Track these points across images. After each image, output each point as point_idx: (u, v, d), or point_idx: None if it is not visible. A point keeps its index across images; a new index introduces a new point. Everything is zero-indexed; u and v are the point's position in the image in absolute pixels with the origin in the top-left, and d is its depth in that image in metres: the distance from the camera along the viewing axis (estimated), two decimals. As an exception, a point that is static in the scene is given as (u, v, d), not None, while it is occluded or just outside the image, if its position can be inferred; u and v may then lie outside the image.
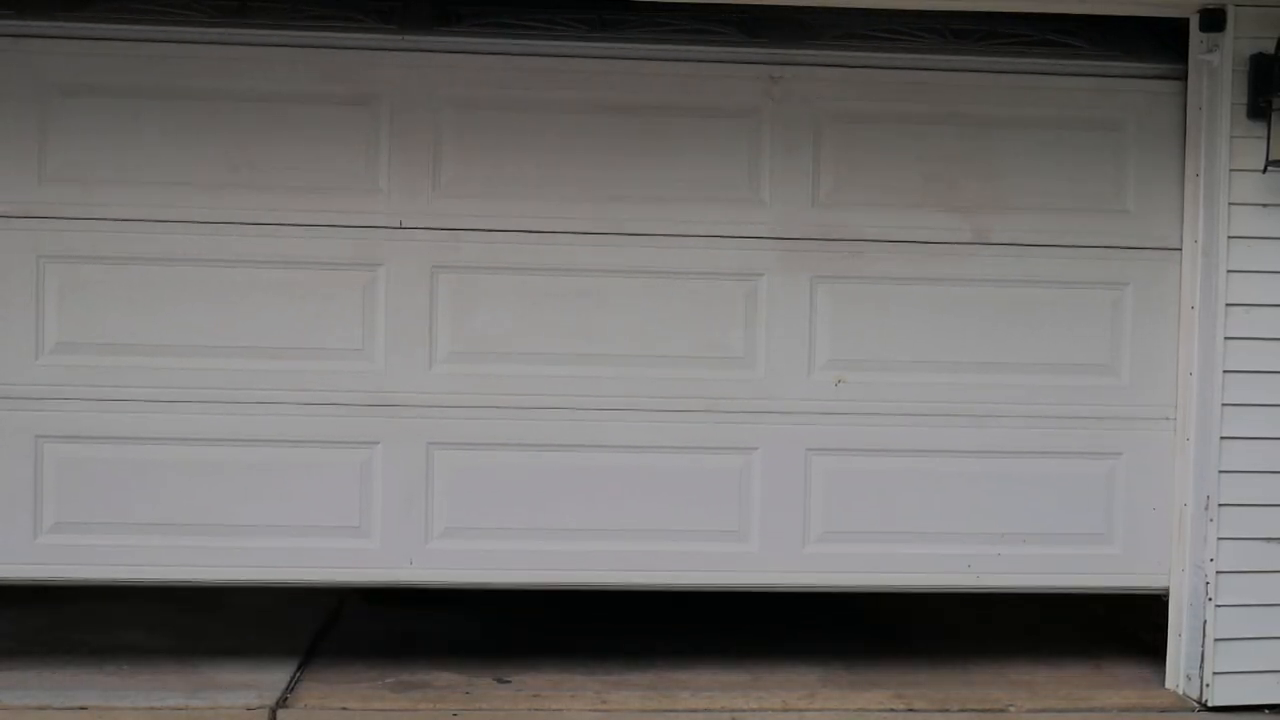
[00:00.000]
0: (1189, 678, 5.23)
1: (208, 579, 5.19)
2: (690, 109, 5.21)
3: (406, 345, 5.14)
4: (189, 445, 5.10)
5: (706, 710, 5.07)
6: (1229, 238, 5.11)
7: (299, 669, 5.40)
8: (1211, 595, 5.15)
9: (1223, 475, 5.14)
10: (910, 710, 5.12)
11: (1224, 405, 5.13)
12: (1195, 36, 5.12)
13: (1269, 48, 5.00)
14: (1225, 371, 5.13)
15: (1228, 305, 5.11)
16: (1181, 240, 5.25)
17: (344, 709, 4.98)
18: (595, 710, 5.03)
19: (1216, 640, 5.16)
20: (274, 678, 5.25)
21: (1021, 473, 5.33)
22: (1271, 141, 5.02)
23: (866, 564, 5.31)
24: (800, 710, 5.09)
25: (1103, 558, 5.37)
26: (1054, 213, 5.29)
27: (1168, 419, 5.30)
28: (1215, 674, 5.16)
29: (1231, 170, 5.08)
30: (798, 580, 5.36)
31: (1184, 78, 5.23)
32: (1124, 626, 6.25)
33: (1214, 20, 5.05)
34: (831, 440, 5.28)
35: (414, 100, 5.13)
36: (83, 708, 4.89)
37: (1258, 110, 5.03)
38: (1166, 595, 5.32)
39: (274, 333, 5.09)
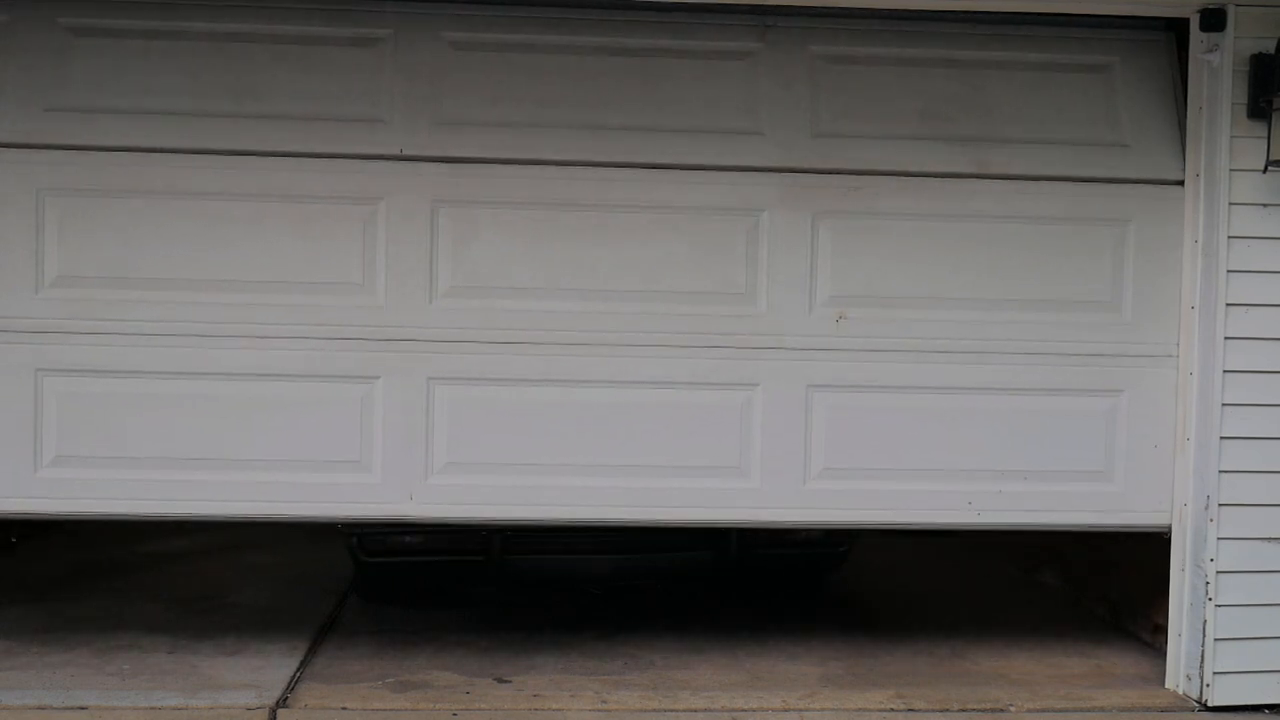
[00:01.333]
0: (1189, 677, 5.23)
1: (207, 513, 5.17)
2: (687, 53, 5.24)
3: (407, 280, 5.12)
4: (190, 379, 5.08)
5: (706, 710, 5.07)
6: (1229, 237, 5.11)
7: (299, 669, 5.40)
8: (1211, 595, 5.15)
9: (1223, 475, 5.14)
10: (910, 710, 5.12)
11: (1224, 405, 5.13)
12: (1195, 36, 5.12)
13: (1269, 48, 5.00)
14: (1225, 371, 5.13)
15: (1228, 305, 5.11)
16: (1184, 171, 5.25)
17: (344, 709, 4.98)
18: (595, 710, 5.03)
19: (1216, 640, 5.16)
20: (274, 678, 5.25)
21: (1023, 410, 5.31)
22: (1272, 141, 5.02)
23: (867, 501, 5.30)
24: (800, 710, 5.09)
25: (1104, 495, 5.36)
26: (1053, 145, 5.30)
27: (1170, 356, 5.29)
28: (1215, 674, 5.16)
29: (1232, 170, 5.08)
30: (798, 517, 5.36)
31: (1168, 28, 5.29)
32: (1124, 626, 6.26)
33: (1214, 20, 5.05)
34: (833, 376, 5.27)
35: (416, 43, 5.16)
36: (83, 708, 4.89)
37: (1258, 110, 5.03)
38: (1168, 533, 5.30)
39: (275, 267, 5.09)
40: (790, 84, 5.26)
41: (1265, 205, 5.10)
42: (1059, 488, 5.35)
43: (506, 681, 5.33)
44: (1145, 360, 5.32)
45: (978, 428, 5.32)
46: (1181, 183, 5.27)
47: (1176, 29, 5.30)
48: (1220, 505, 5.13)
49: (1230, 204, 5.10)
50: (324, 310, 5.11)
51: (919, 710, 5.12)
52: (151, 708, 4.92)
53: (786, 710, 5.08)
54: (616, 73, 5.21)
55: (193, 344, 5.07)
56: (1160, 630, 5.69)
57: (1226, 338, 5.12)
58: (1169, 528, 5.30)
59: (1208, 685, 5.17)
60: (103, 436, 5.08)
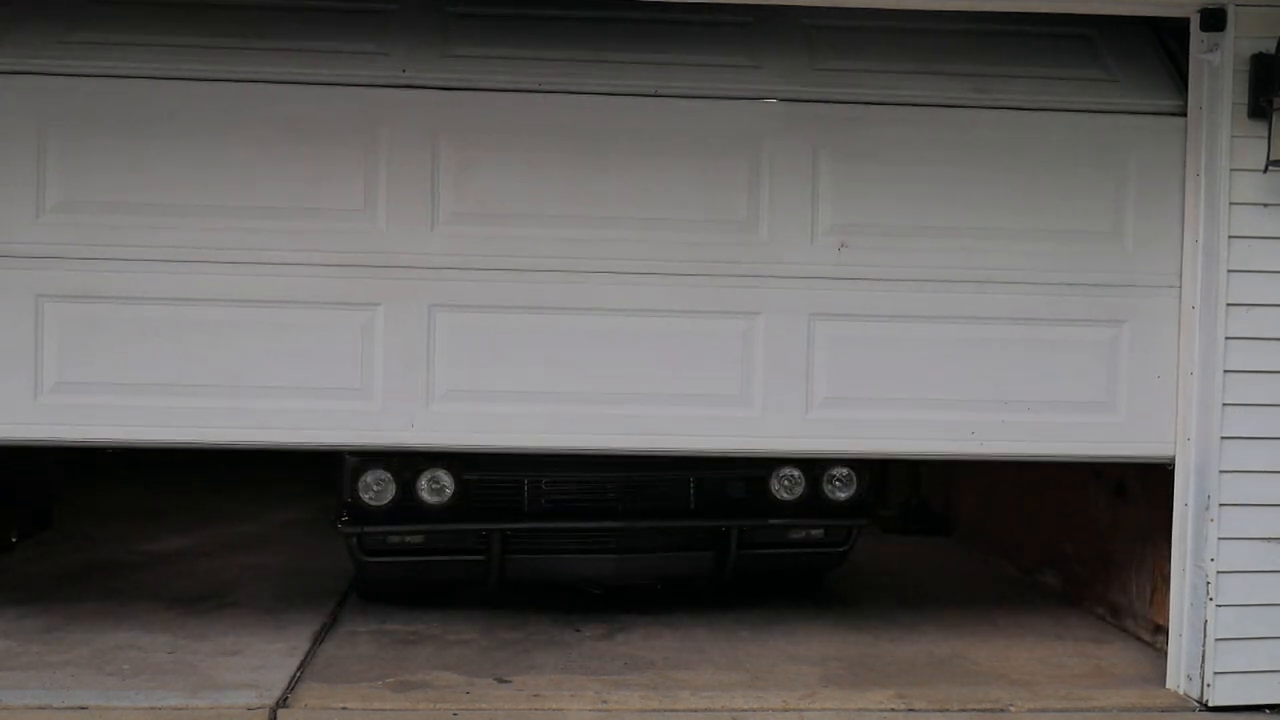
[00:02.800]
0: (1189, 677, 5.23)
1: (206, 440, 5.17)
2: (688, 22, 5.28)
3: (409, 207, 5.11)
4: (190, 306, 5.06)
5: (707, 710, 5.06)
6: (1229, 237, 5.11)
7: (299, 669, 5.40)
8: (1212, 595, 5.15)
9: (1223, 475, 5.14)
10: (910, 710, 5.12)
11: (1224, 405, 5.13)
12: (1196, 36, 5.12)
13: (1269, 48, 5.00)
14: (1226, 371, 5.12)
15: (1228, 305, 5.11)
16: (1179, 103, 5.26)
17: (344, 709, 4.98)
18: (595, 710, 5.03)
19: (1217, 640, 5.16)
20: (274, 678, 5.25)
21: (1025, 339, 5.31)
22: (1272, 141, 5.02)
23: (869, 430, 5.29)
24: (800, 710, 5.09)
25: (1107, 426, 5.35)
26: (1048, 80, 5.31)
27: (1171, 287, 5.28)
28: (1216, 674, 5.16)
29: (1232, 170, 5.08)
30: (800, 446, 5.36)
31: None
32: (1124, 626, 6.26)
33: (1215, 20, 5.05)
34: (834, 305, 5.26)
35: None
36: (83, 708, 4.89)
37: (1258, 110, 5.03)
38: (1171, 465, 5.28)
39: (277, 194, 5.07)
40: (787, 36, 5.30)
41: (1265, 205, 5.10)
42: (1062, 418, 5.33)
43: (506, 681, 5.33)
44: (1147, 290, 5.30)
45: (980, 357, 5.30)
46: (1176, 113, 5.26)
47: None
48: (1220, 505, 5.13)
49: (1230, 204, 5.10)
50: (325, 237, 5.09)
51: (919, 710, 5.12)
52: (151, 708, 4.92)
53: (786, 710, 5.08)
54: (615, 16, 5.23)
55: (194, 270, 5.04)
56: (1160, 630, 5.69)
57: (1227, 338, 5.12)
58: (1172, 459, 5.28)
59: (1208, 685, 5.16)
60: (103, 363, 5.05)
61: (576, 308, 5.17)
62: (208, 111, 5.04)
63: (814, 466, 6.34)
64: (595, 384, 5.19)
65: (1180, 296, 5.26)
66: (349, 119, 5.09)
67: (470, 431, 5.20)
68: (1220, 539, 5.14)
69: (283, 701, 5.00)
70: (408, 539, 6.08)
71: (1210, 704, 5.16)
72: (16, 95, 4.99)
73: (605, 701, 5.11)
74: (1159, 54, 5.41)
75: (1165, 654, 5.41)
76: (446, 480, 6.03)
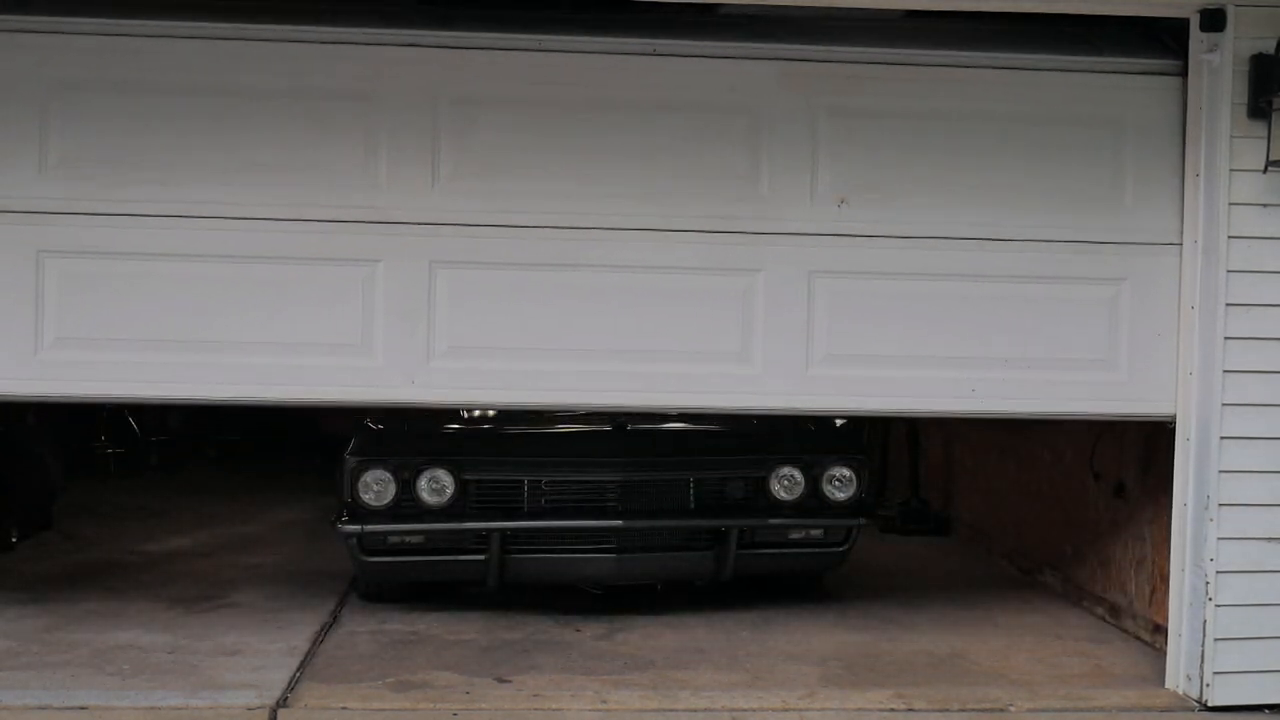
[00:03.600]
0: (1189, 677, 5.23)
1: (207, 396, 5.15)
2: None
3: (409, 164, 5.09)
4: (191, 262, 5.04)
5: (707, 710, 5.06)
6: (1229, 238, 5.11)
7: (299, 669, 5.40)
8: (1211, 595, 5.15)
9: (1222, 475, 5.13)
10: (910, 710, 5.12)
11: (1224, 405, 5.12)
12: (1195, 36, 5.11)
13: (1269, 48, 4.99)
14: (1225, 371, 5.12)
15: (1228, 305, 5.11)
16: (1173, 67, 5.25)
17: (344, 709, 4.98)
18: (595, 710, 5.03)
19: (1216, 640, 5.15)
20: (274, 678, 5.25)
21: (1025, 297, 5.29)
22: (1272, 141, 5.01)
23: (869, 387, 5.28)
24: (800, 710, 5.09)
25: (1108, 384, 5.33)
26: (1041, 50, 5.30)
27: (1171, 244, 5.26)
28: (1215, 674, 5.15)
29: (1232, 170, 5.08)
30: (801, 404, 5.33)
31: None
32: (1124, 626, 6.26)
33: (1214, 20, 5.04)
34: (835, 263, 5.24)
35: None
36: (83, 708, 4.89)
37: (1258, 110, 5.03)
38: (1172, 423, 5.28)
39: (277, 151, 5.06)
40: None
41: (1265, 205, 5.10)
42: (1063, 376, 5.31)
43: (506, 681, 5.33)
44: (1147, 248, 5.28)
45: (980, 315, 5.28)
46: (1172, 73, 5.26)
47: None
48: (1220, 505, 5.13)
49: (1230, 204, 5.09)
50: (326, 193, 5.07)
51: (919, 710, 5.12)
52: (151, 708, 4.92)
53: (786, 710, 5.08)
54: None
55: (195, 226, 5.02)
56: (1160, 630, 5.69)
57: (1226, 338, 5.12)
58: (1172, 417, 5.27)
59: (1208, 685, 5.16)
60: (103, 319, 5.03)
61: (577, 264, 5.16)
62: (210, 70, 5.03)
63: (813, 466, 6.35)
64: (595, 341, 5.17)
65: (1181, 255, 5.24)
66: (350, 78, 5.08)
67: (471, 388, 5.19)
68: (1220, 539, 5.13)
69: (283, 701, 5.00)
70: (408, 539, 6.09)
71: (1210, 704, 5.16)
72: (19, 52, 4.97)
73: (605, 701, 5.11)
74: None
75: (1165, 654, 5.40)
76: (446, 480, 6.04)
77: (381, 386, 5.15)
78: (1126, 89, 5.29)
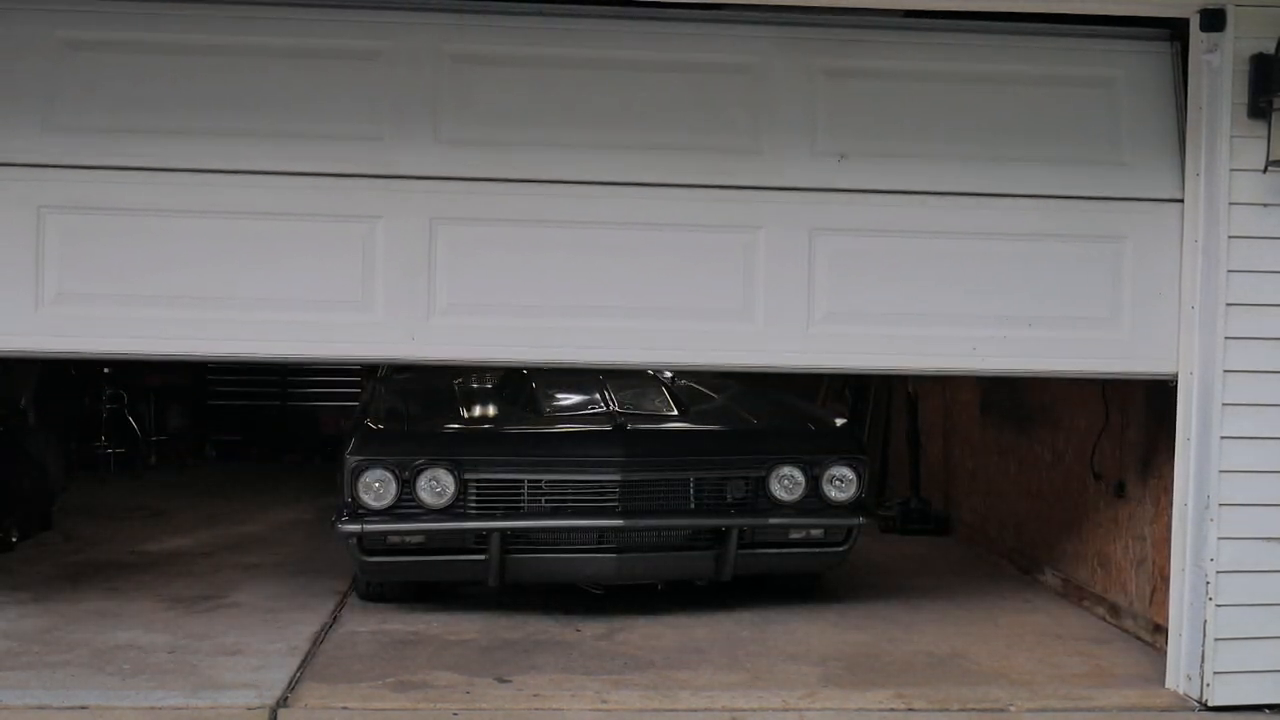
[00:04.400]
0: (1189, 677, 5.23)
1: (208, 352, 5.17)
2: None
3: (410, 121, 5.09)
4: (191, 218, 5.03)
5: (707, 710, 5.06)
6: (1229, 237, 5.10)
7: (299, 669, 5.40)
8: (1211, 595, 5.15)
9: (1223, 475, 5.13)
10: (910, 710, 5.12)
11: (1224, 405, 5.12)
12: (1195, 36, 5.11)
13: (1269, 48, 4.99)
14: (1226, 371, 5.12)
15: (1228, 305, 5.11)
16: (1173, 34, 5.26)
17: (344, 709, 4.98)
18: (595, 710, 5.03)
19: (1216, 640, 5.15)
20: (274, 678, 5.25)
21: (1026, 255, 5.28)
22: (1272, 141, 5.01)
23: (871, 345, 5.26)
24: (800, 710, 5.09)
25: (1109, 342, 5.31)
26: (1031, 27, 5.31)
27: (1173, 201, 5.25)
28: (1215, 674, 5.15)
29: (1232, 170, 5.07)
30: (802, 361, 5.33)
31: None
32: (1124, 626, 6.26)
33: (1214, 20, 5.04)
34: (835, 220, 5.23)
35: None
36: (83, 707, 4.89)
37: (1258, 110, 5.03)
38: (1173, 382, 5.27)
39: (279, 108, 5.05)
40: None
41: (1265, 205, 5.10)
42: (1064, 334, 5.30)
43: (506, 681, 5.33)
44: (1148, 205, 5.26)
45: (981, 273, 5.27)
46: (1159, 39, 5.27)
47: None
48: (1220, 505, 5.13)
49: (1230, 204, 5.09)
50: (327, 148, 5.06)
51: (919, 710, 5.12)
52: (151, 708, 4.92)
53: (786, 710, 5.08)
54: None
55: (195, 181, 5.01)
56: (1160, 630, 5.69)
57: (1227, 338, 5.12)
58: (1174, 375, 5.27)
59: (1208, 685, 5.16)
60: (104, 275, 5.01)
61: (578, 221, 5.14)
62: (214, 32, 5.03)
63: (813, 466, 6.35)
64: (596, 298, 5.16)
65: (1183, 213, 5.23)
66: (352, 40, 5.08)
67: (471, 345, 5.17)
68: (1220, 539, 5.14)
69: (283, 701, 5.00)
70: (408, 539, 6.09)
71: (1210, 704, 5.16)
72: (25, 15, 4.97)
73: (605, 701, 5.11)
74: None
75: (1165, 654, 5.40)
76: (446, 480, 6.04)
77: (382, 343, 5.14)
78: (1118, 52, 5.31)
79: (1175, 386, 5.26)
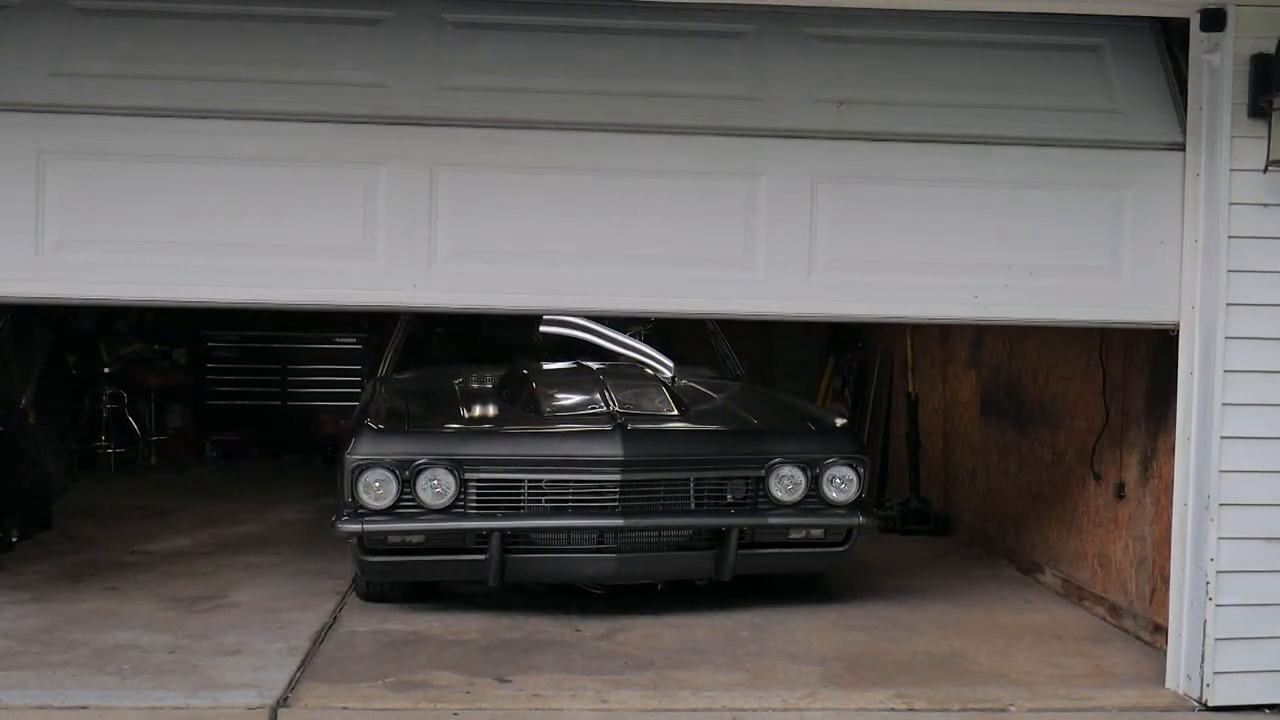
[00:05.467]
0: (1189, 677, 5.23)
1: (209, 298, 5.13)
2: None
3: (413, 71, 5.10)
4: (193, 164, 5.02)
5: (707, 710, 5.06)
6: (1229, 237, 5.11)
7: (299, 669, 5.40)
8: (1211, 595, 5.15)
9: (1223, 475, 5.13)
10: (910, 710, 5.12)
11: (1224, 405, 5.12)
12: (1196, 36, 5.12)
13: (1269, 48, 5.00)
14: (1225, 371, 5.12)
15: (1228, 305, 5.11)
16: None
17: (344, 709, 4.98)
18: (595, 710, 5.03)
19: (1216, 640, 5.16)
20: (274, 678, 5.25)
21: (1027, 204, 5.28)
22: (1272, 141, 5.01)
23: (873, 293, 5.26)
24: (800, 710, 5.09)
25: (1112, 290, 5.31)
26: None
27: (1173, 149, 5.25)
28: (1215, 673, 5.16)
29: (1232, 170, 5.08)
30: (803, 309, 5.35)
31: None
32: (1124, 626, 6.26)
33: (1214, 20, 5.04)
34: (836, 168, 5.23)
35: None
36: (83, 707, 4.89)
37: (1258, 110, 5.03)
38: (1175, 331, 5.28)
39: (283, 60, 5.05)
40: None
41: (1265, 205, 5.10)
42: (1065, 283, 5.30)
43: (506, 681, 5.33)
44: (1149, 154, 5.27)
45: (983, 221, 5.26)
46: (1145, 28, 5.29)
47: None
48: (1220, 505, 5.13)
49: (1230, 204, 5.10)
50: (330, 94, 5.05)
51: (919, 710, 5.12)
52: (151, 708, 4.92)
53: (786, 710, 5.08)
54: None
55: (196, 128, 5.00)
56: (1160, 630, 5.69)
57: (1226, 338, 5.12)
58: (1175, 325, 5.27)
59: (1208, 685, 5.16)
60: (105, 221, 5.00)
61: (579, 168, 5.14)
62: (224, 2, 5.05)
63: (813, 466, 6.34)
64: (598, 245, 5.16)
65: (1184, 161, 5.24)
66: (355, 9, 5.10)
67: (473, 292, 5.17)
68: (1220, 539, 5.14)
69: (283, 701, 5.00)
70: (408, 538, 6.09)
71: (1210, 704, 5.16)
72: None
73: (605, 701, 5.11)
74: None
75: (1165, 654, 5.41)
76: (446, 480, 6.04)
77: (383, 289, 5.13)
78: (1105, 26, 5.33)
79: (1176, 336, 5.25)
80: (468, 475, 6.08)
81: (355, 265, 5.09)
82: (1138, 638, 6.11)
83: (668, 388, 6.98)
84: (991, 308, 5.32)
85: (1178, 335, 5.28)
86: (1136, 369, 6.23)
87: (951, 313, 5.44)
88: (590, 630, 6.09)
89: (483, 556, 6.10)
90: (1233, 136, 5.06)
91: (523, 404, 6.68)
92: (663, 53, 5.21)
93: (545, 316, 8.23)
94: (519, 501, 6.13)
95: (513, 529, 6.08)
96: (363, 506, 6.03)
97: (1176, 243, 5.26)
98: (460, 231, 5.12)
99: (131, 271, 5.01)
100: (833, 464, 6.37)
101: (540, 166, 5.12)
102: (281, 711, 4.92)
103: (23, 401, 7.59)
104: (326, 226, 5.08)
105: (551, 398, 6.66)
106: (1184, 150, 5.23)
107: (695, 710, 5.06)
